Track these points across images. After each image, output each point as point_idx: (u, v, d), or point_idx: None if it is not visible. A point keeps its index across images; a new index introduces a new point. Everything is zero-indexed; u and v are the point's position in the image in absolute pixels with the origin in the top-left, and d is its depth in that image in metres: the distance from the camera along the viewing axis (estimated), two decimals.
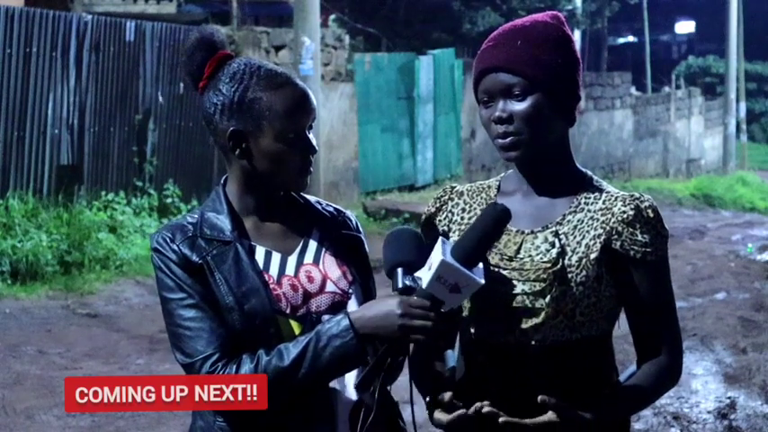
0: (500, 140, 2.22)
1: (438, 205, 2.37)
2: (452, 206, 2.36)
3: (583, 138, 21.63)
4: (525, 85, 2.19)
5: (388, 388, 2.28)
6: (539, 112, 2.20)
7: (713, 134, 28.13)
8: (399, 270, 2.15)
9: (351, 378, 2.25)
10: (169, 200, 12.27)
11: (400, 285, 2.13)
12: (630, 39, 42.98)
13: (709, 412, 6.56)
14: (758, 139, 37.18)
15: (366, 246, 2.42)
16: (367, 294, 2.33)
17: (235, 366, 2.17)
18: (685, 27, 45.89)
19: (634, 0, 29.37)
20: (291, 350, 2.16)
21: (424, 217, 2.40)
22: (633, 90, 25.74)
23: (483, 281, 2.08)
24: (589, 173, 2.33)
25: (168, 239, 2.25)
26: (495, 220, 2.13)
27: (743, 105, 28.78)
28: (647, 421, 6.32)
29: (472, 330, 2.26)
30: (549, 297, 2.18)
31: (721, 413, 6.53)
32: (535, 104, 2.19)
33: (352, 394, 2.25)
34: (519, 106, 2.20)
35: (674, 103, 25.89)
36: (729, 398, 6.84)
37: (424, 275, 2.09)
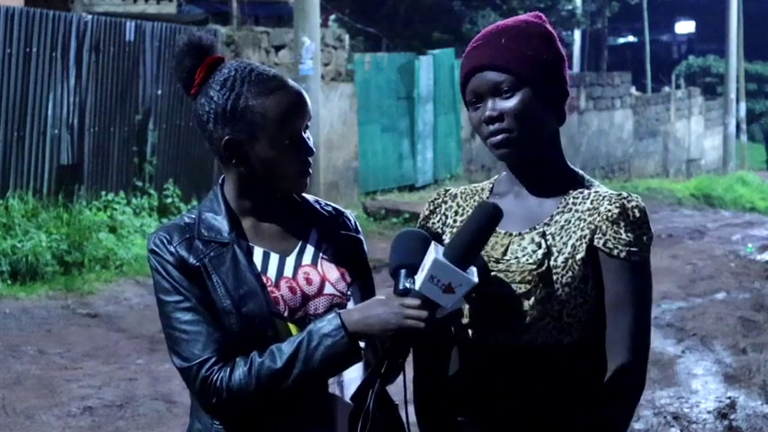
0: (491, 139, 2.21)
1: (432, 208, 2.36)
2: (446, 209, 2.34)
3: (583, 138, 21.62)
4: (512, 82, 2.19)
5: (387, 389, 2.27)
6: (527, 107, 2.19)
7: (713, 134, 28.14)
8: (402, 272, 2.12)
9: (350, 381, 2.23)
10: (169, 200, 12.27)
11: (401, 287, 2.11)
12: (630, 39, 43.01)
13: (709, 412, 6.55)
14: (758, 139, 37.22)
15: (365, 246, 2.40)
16: (366, 296, 2.30)
17: (228, 370, 2.15)
18: (685, 27, 45.92)
19: (634, 0, 29.38)
20: (284, 350, 2.14)
21: (418, 220, 2.38)
22: (633, 90, 25.75)
23: (476, 279, 2.06)
24: (580, 172, 2.31)
25: (165, 241, 2.23)
26: (485, 219, 2.10)
27: (743, 105, 28.80)
28: (648, 421, 6.32)
29: (467, 333, 2.25)
30: (533, 299, 2.16)
31: (721, 413, 6.53)
32: (523, 100, 2.18)
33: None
34: (508, 103, 2.19)
35: (674, 103, 25.89)
36: (729, 398, 6.83)
37: (418, 277, 2.08)
